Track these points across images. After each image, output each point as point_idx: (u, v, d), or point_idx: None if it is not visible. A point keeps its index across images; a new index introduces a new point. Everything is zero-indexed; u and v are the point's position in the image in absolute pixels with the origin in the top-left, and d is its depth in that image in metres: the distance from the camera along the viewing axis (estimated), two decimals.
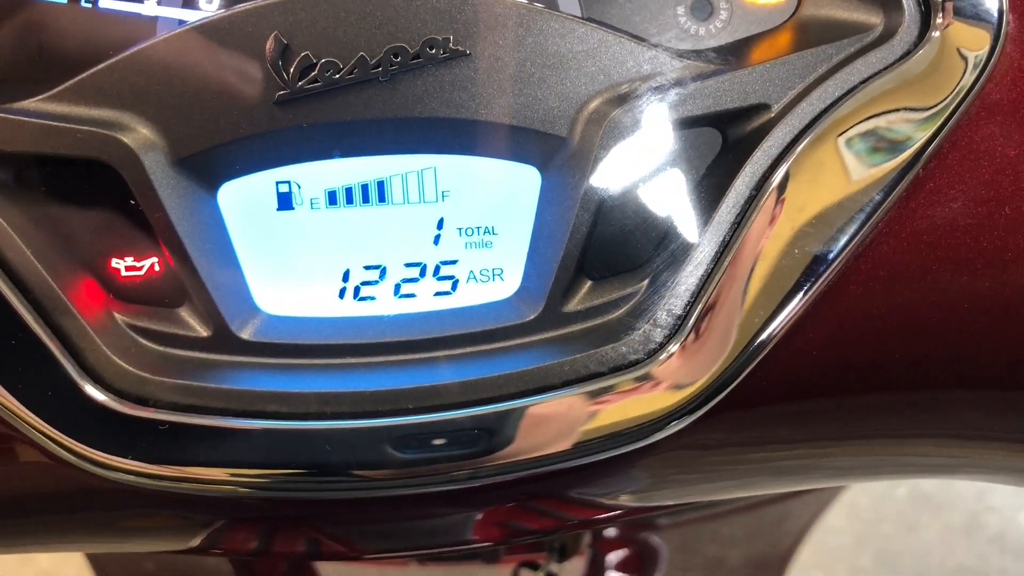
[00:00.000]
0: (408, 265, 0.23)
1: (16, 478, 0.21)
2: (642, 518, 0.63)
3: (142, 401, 0.20)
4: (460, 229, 0.23)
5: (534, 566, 0.51)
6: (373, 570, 0.52)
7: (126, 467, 0.20)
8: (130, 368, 0.20)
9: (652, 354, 0.21)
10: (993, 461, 0.25)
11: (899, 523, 1.37)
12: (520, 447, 0.21)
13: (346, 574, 0.49)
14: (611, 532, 0.63)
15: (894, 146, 0.21)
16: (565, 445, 0.21)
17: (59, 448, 0.20)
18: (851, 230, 0.21)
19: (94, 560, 0.66)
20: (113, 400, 0.20)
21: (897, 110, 0.21)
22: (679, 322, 0.21)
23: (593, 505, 0.24)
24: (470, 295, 0.23)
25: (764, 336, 0.21)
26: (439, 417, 0.20)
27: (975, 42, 0.21)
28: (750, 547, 0.73)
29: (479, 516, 0.23)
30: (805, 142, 0.21)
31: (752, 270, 0.21)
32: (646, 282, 0.22)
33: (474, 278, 0.23)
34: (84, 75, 0.21)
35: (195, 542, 0.23)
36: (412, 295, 0.23)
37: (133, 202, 0.21)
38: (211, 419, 0.20)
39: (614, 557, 0.65)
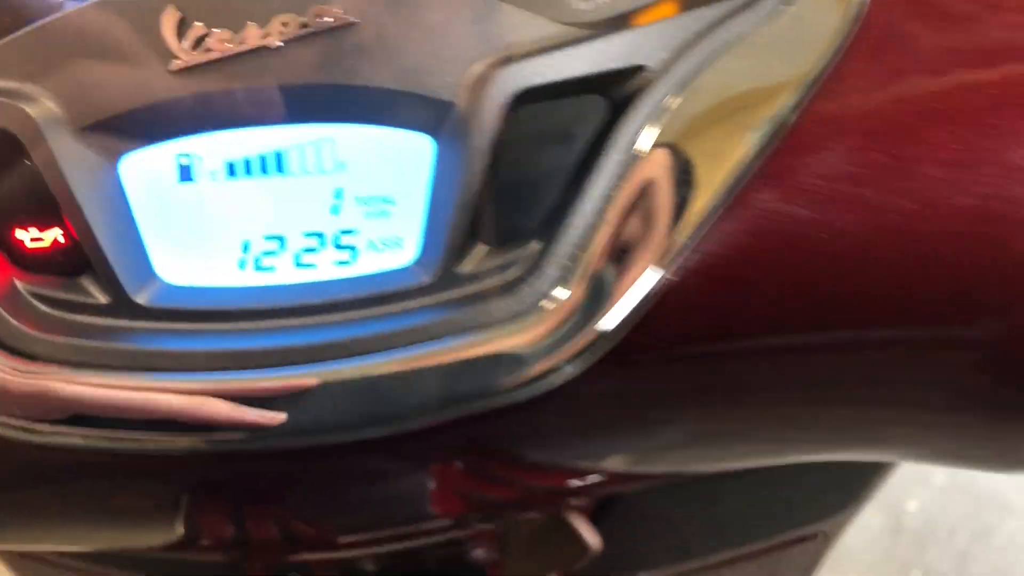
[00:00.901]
0: (307, 235, 0.23)
1: None
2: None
3: (33, 358, 0.21)
4: (358, 199, 0.23)
5: None
6: None
7: (18, 425, 0.21)
8: (24, 328, 0.21)
9: (539, 307, 0.21)
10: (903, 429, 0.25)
11: None
12: (408, 402, 0.21)
13: None
14: None
15: (768, 96, 0.22)
16: (447, 393, 0.21)
17: None
18: (730, 180, 0.21)
19: None
20: (7, 358, 0.20)
21: (771, 65, 0.22)
22: (565, 276, 0.21)
23: (514, 464, 0.24)
24: (370, 263, 0.23)
25: (649, 284, 0.21)
26: (325, 369, 0.21)
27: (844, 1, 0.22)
28: None
29: (414, 479, 0.24)
30: (680, 98, 0.22)
31: (633, 221, 0.21)
32: (536, 243, 0.22)
33: (374, 247, 0.23)
34: None
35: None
36: (312, 265, 0.23)
37: (34, 171, 0.22)
38: (99, 375, 0.21)
39: None
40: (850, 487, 0.58)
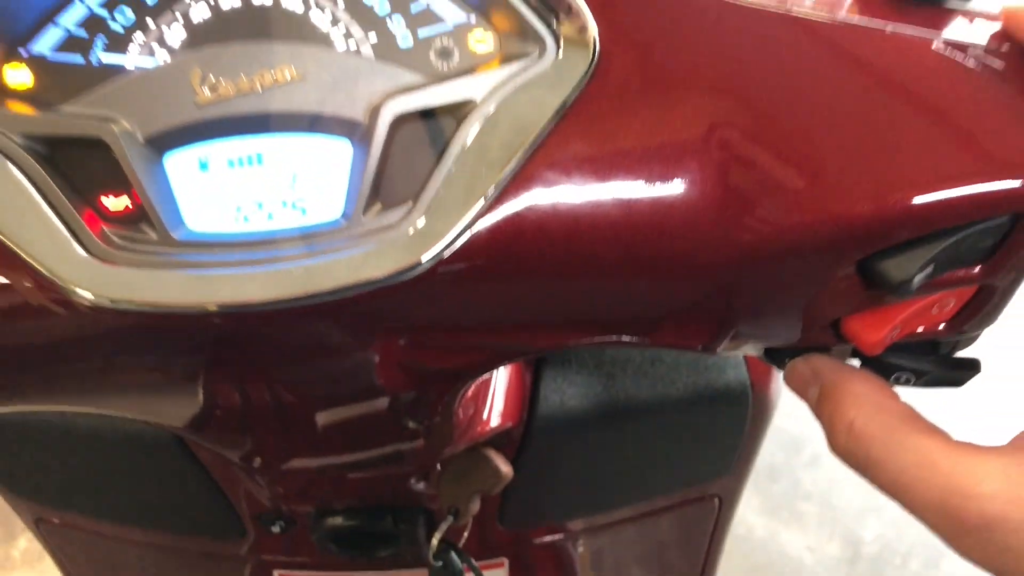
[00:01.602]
0: (276, 202, 0.38)
1: (36, 322, 0.36)
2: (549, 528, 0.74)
3: (116, 263, 0.36)
4: (306, 179, 0.38)
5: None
6: None
7: (100, 296, 0.35)
8: (109, 249, 0.36)
9: (409, 232, 0.36)
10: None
11: None
12: (334, 279, 0.35)
13: None
14: (525, 539, 0.74)
15: (541, 112, 0.37)
16: (363, 278, 0.35)
17: (66, 288, 0.35)
18: (513, 162, 0.36)
19: None
20: (95, 260, 0.35)
21: (544, 92, 0.37)
22: (423, 215, 0.36)
23: (406, 329, 0.37)
24: (312, 217, 0.38)
25: (466, 220, 0.36)
26: (287, 267, 0.36)
27: (585, 54, 0.38)
28: (657, 565, 0.83)
29: (360, 351, 0.38)
30: (490, 113, 0.37)
31: (461, 186, 0.36)
32: (410, 201, 0.37)
33: (315, 207, 0.39)
34: (90, 94, 0.37)
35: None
36: (278, 219, 0.38)
37: (115, 162, 0.37)
38: (155, 272, 0.36)
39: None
40: (724, 444, 0.71)
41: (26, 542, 1.79)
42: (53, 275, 0.35)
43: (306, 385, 0.41)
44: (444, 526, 0.61)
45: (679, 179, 0.36)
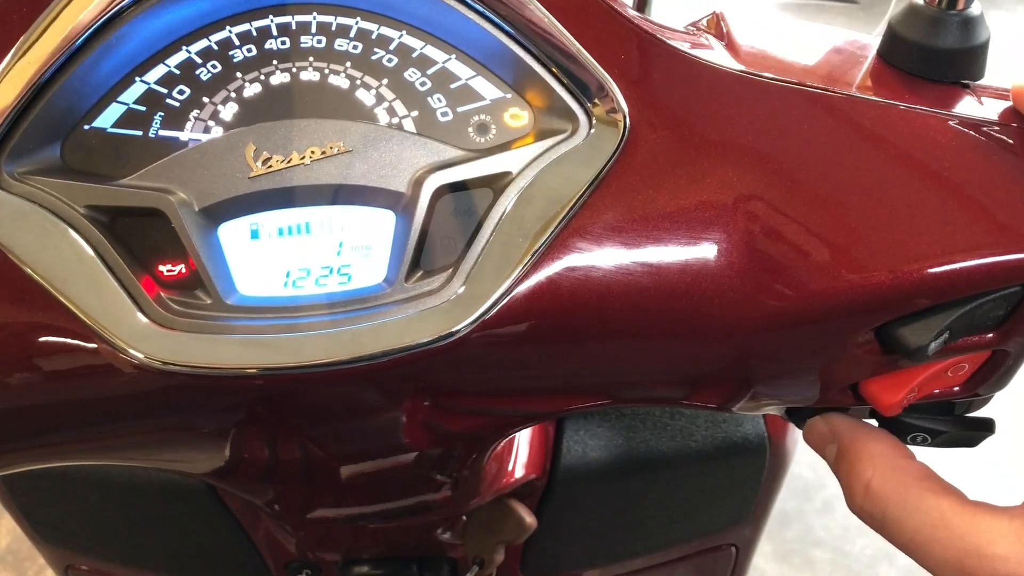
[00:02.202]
0: (323, 268, 0.40)
1: (94, 382, 0.38)
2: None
3: (172, 328, 0.38)
4: (351, 247, 0.40)
5: None
6: None
7: (162, 360, 0.37)
8: (165, 313, 0.38)
9: (448, 300, 0.38)
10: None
11: None
12: (376, 344, 0.37)
13: None
14: None
15: (575, 185, 0.39)
16: (402, 344, 0.37)
17: (124, 352, 0.37)
18: (547, 234, 0.38)
19: None
20: (155, 326, 0.37)
21: (576, 170, 0.39)
22: (463, 283, 0.38)
23: (457, 393, 0.39)
24: (357, 283, 0.40)
25: (503, 288, 0.38)
26: (335, 332, 0.38)
27: (616, 133, 0.40)
28: None
29: (392, 411, 0.39)
30: (526, 187, 0.39)
31: (498, 256, 0.38)
32: (451, 269, 0.39)
33: (360, 274, 0.41)
34: (150, 166, 0.39)
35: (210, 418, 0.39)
36: (325, 284, 0.40)
37: (174, 233, 0.39)
38: (208, 336, 0.38)
39: None
40: (741, 494, 0.72)
41: None
42: (114, 339, 0.37)
43: (342, 442, 0.43)
44: None
45: (706, 248, 0.38)
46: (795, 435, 0.72)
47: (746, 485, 0.70)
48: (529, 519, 0.61)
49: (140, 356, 0.36)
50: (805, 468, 2.05)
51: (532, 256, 0.37)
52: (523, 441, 0.61)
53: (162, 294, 0.38)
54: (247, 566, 0.70)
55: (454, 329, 0.37)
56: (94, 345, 0.37)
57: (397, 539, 0.63)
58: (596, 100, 0.40)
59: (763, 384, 0.42)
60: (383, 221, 0.38)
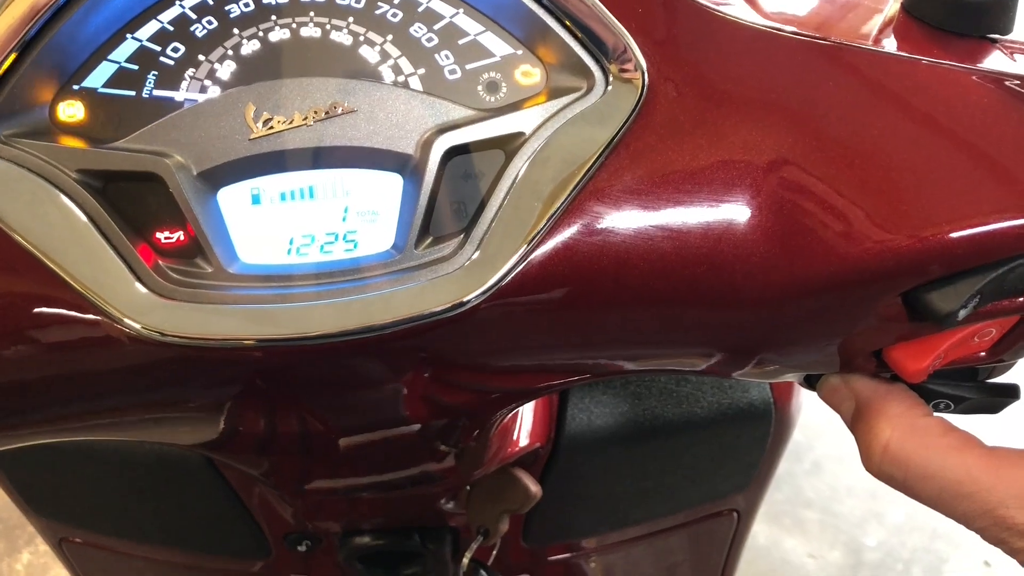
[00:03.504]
0: (328, 234, 0.39)
1: (101, 353, 0.36)
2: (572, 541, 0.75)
3: (172, 298, 0.36)
4: (358, 212, 0.39)
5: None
6: None
7: (161, 331, 0.35)
8: (166, 283, 0.36)
9: (461, 267, 0.37)
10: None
11: None
12: (386, 314, 0.36)
13: None
14: (546, 557, 0.75)
15: (591, 146, 0.37)
16: (413, 314, 0.36)
17: (121, 323, 0.35)
18: (564, 196, 0.37)
19: None
20: (154, 296, 0.36)
21: (593, 127, 0.38)
22: (475, 250, 0.37)
23: (464, 366, 0.38)
24: (364, 250, 0.39)
25: (519, 255, 0.36)
26: (342, 301, 0.36)
27: (633, 90, 0.38)
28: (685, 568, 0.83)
29: (395, 383, 0.38)
30: (540, 148, 0.37)
31: (512, 220, 0.37)
32: (462, 235, 0.38)
33: (367, 240, 0.39)
34: (144, 128, 0.37)
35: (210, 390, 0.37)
36: (330, 252, 0.39)
37: (172, 198, 0.37)
38: (210, 307, 0.36)
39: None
40: (745, 460, 0.72)
41: (29, 555, 1.79)
42: (111, 309, 0.35)
43: (346, 414, 0.41)
44: (474, 546, 0.61)
45: (728, 211, 0.37)
46: (799, 400, 0.71)
47: (751, 451, 0.70)
48: (534, 488, 0.60)
49: (138, 327, 0.35)
50: (796, 431, 2.06)
51: (548, 221, 0.36)
52: (528, 409, 0.60)
53: (160, 262, 0.37)
54: (244, 537, 0.69)
55: (468, 297, 0.35)
56: (90, 316, 0.35)
57: (398, 509, 0.61)
58: (612, 56, 0.38)
59: (784, 352, 0.41)
60: (390, 185, 0.37)
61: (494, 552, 0.64)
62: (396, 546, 0.63)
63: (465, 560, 0.60)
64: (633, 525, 0.75)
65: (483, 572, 0.61)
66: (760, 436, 0.68)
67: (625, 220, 0.37)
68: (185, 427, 0.41)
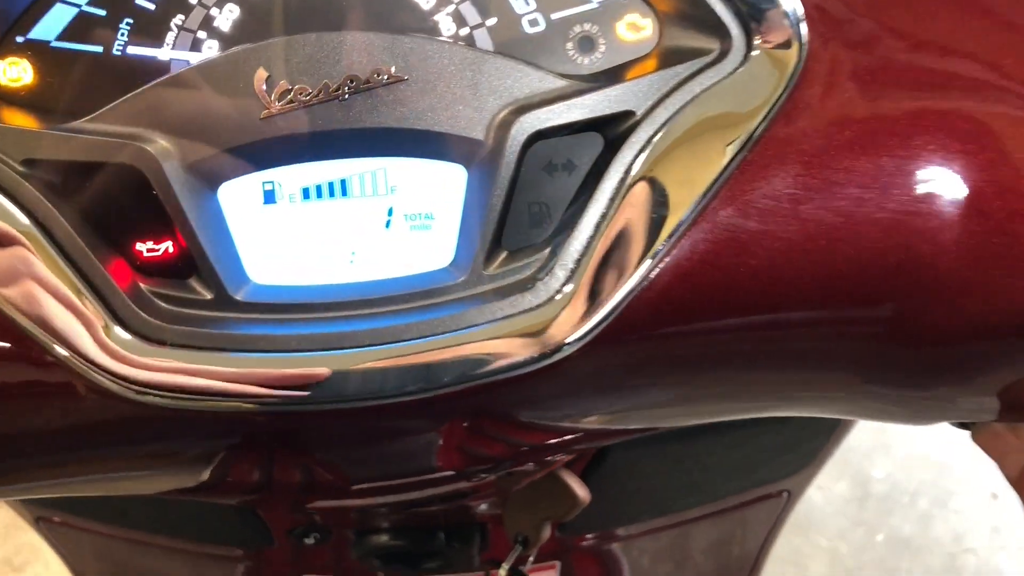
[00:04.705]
0: (366, 245, 0.29)
1: (62, 410, 0.27)
2: (605, 531, 0.68)
3: (160, 342, 0.26)
4: (406, 215, 0.29)
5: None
6: None
7: (147, 383, 0.26)
8: (150, 319, 0.27)
9: (550, 299, 0.27)
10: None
11: (879, 569, 1.42)
12: (448, 371, 0.27)
13: None
14: (579, 543, 0.68)
15: (725, 136, 0.28)
16: (484, 369, 0.27)
17: (87, 374, 0.26)
18: (694, 200, 0.27)
19: None
20: (136, 340, 0.26)
21: (728, 112, 0.28)
22: (570, 275, 0.27)
23: (526, 424, 0.30)
24: (414, 267, 0.29)
25: (633, 282, 0.27)
26: (388, 348, 0.27)
27: (786, 59, 0.28)
28: (713, 558, 0.77)
29: (434, 437, 0.29)
30: (659, 136, 0.28)
31: (622, 234, 0.27)
32: (548, 249, 0.28)
33: (419, 256, 0.29)
34: (117, 102, 0.27)
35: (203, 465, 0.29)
36: (370, 270, 0.29)
37: (154, 198, 0.27)
38: (211, 355, 0.27)
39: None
40: (808, 448, 0.64)
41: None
42: (68, 354, 0.26)
43: (370, 466, 0.33)
44: (512, 556, 0.53)
45: (918, 216, 0.28)
46: None
47: (816, 439, 0.62)
48: (582, 493, 0.52)
49: (104, 380, 0.26)
50: None
51: (669, 240, 0.26)
52: None
53: (141, 285, 0.27)
54: (244, 528, 0.61)
55: (558, 345, 0.26)
56: (47, 358, 0.26)
57: (428, 515, 0.54)
58: (761, 9, 0.28)
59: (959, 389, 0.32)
60: (451, 180, 0.29)
61: (531, 559, 0.56)
62: (417, 547, 0.55)
63: (502, 573, 0.52)
64: (682, 511, 0.68)
65: None
66: (829, 423, 0.60)
67: (774, 235, 0.27)
68: (170, 480, 0.33)
